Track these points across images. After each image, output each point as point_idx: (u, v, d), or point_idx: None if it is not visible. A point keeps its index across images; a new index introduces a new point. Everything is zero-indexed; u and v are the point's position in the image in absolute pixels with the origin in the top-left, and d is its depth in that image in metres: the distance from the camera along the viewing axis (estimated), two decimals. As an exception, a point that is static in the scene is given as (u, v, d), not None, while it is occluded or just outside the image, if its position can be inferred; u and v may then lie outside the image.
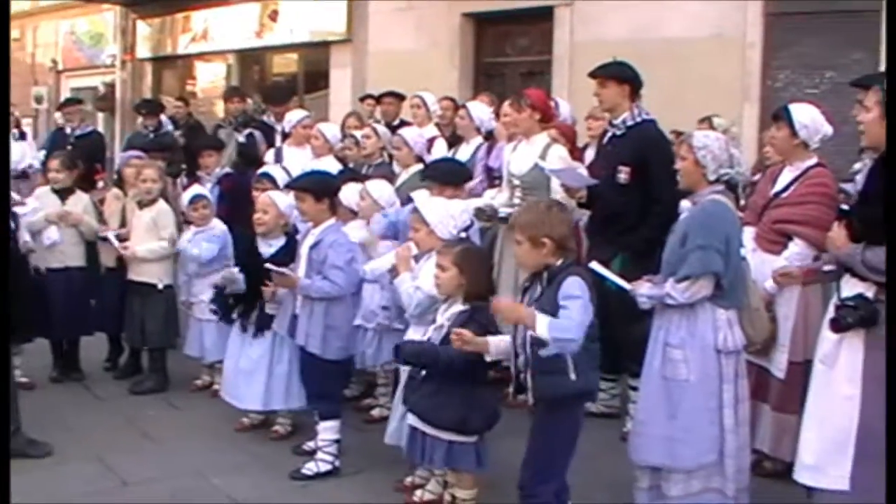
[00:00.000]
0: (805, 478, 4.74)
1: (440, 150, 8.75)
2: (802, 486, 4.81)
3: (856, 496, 4.53)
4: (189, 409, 7.22)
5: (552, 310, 4.40)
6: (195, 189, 7.70)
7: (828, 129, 5.71)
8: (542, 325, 4.32)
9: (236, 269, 6.50)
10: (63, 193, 7.73)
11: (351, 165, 8.29)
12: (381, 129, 8.65)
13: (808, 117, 5.68)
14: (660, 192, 6.12)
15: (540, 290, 4.59)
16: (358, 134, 8.66)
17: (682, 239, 4.80)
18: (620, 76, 6.46)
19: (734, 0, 10.41)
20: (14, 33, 22.09)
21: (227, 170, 8.98)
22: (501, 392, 5.40)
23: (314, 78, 16.38)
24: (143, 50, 20.53)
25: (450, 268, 4.98)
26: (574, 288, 4.44)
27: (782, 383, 5.59)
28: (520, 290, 4.95)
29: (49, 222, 7.53)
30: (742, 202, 6.35)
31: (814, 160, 5.69)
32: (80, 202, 7.79)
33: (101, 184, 9.61)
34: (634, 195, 6.34)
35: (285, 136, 9.58)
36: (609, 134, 6.66)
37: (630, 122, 6.44)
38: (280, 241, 6.40)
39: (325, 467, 5.88)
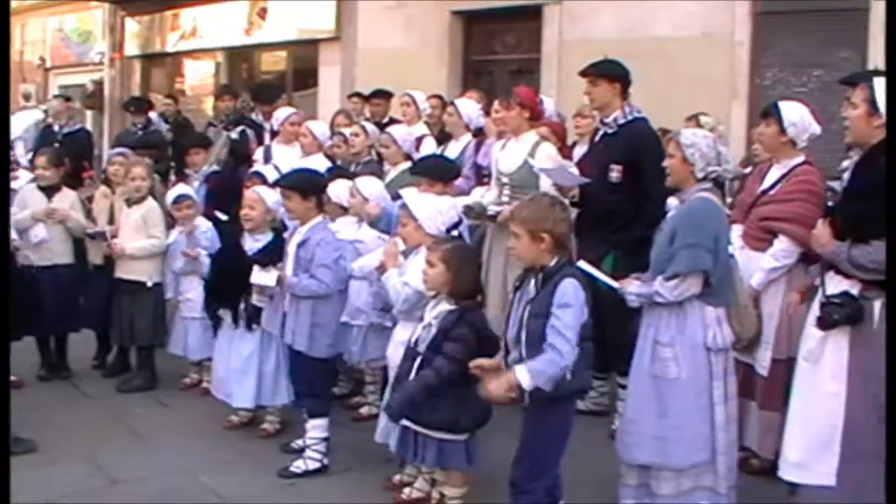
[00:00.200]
0: (790, 475, 4.76)
1: (429, 147, 8.75)
2: (786, 484, 4.83)
3: (841, 492, 4.55)
4: (177, 407, 7.21)
5: (546, 314, 4.44)
6: (179, 189, 7.67)
7: (815, 128, 5.73)
8: (526, 379, 4.38)
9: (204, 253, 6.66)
10: (49, 191, 7.72)
11: (339, 163, 8.29)
12: (370, 127, 8.66)
13: (796, 115, 5.69)
14: (652, 191, 6.06)
15: (534, 291, 4.60)
16: (346, 132, 8.66)
17: (671, 237, 4.81)
18: (611, 74, 6.46)
19: (722, -1, 10.44)
20: (1, 30, 21.99)
21: (215, 167, 8.97)
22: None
23: (303, 76, 16.35)
24: (132, 47, 20.47)
25: (437, 264, 4.98)
26: (569, 294, 4.45)
27: (765, 380, 5.61)
28: (511, 289, 4.94)
29: (36, 220, 7.52)
30: (729, 199, 6.37)
31: (801, 158, 5.70)
32: (66, 199, 7.78)
33: (88, 181, 9.59)
34: (626, 193, 6.33)
35: (274, 134, 9.58)
36: (601, 132, 6.66)
37: (622, 121, 6.44)
38: (267, 237, 6.40)
39: (313, 465, 5.88)
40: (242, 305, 6.33)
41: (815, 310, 4.72)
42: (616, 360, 6.33)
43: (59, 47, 23.13)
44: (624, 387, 6.10)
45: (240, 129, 10.10)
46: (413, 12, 13.78)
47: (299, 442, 6.10)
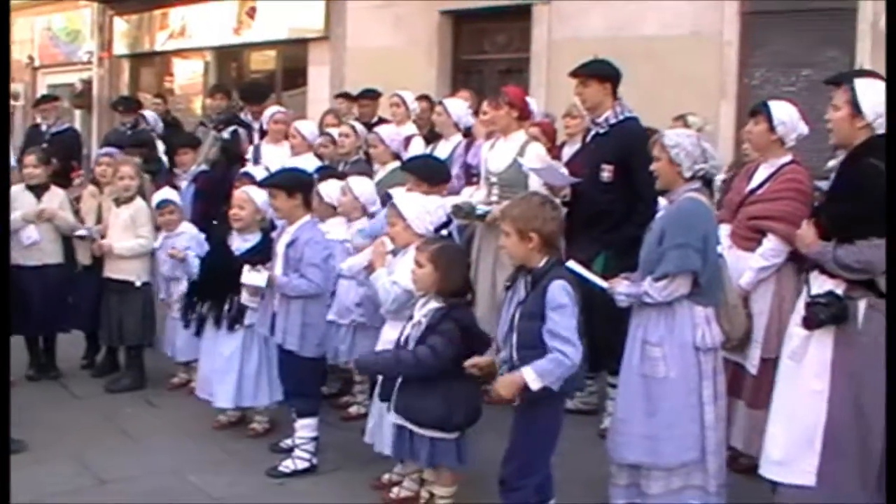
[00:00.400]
0: (771, 473, 4.78)
1: (417, 147, 8.75)
2: (768, 482, 4.85)
3: (821, 491, 4.57)
4: (166, 406, 7.20)
5: (539, 315, 4.47)
6: (163, 193, 7.61)
7: (804, 128, 5.75)
8: (534, 380, 4.42)
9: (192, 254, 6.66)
10: (38, 190, 7.70)
11: (327, 163, 8.28)
12: (360, 127, 8.65)
13: (786, 114, 5.71)
14: (643, 190, 6.03)
15: (524, 293, 4.61)
16: (335, 132, 8.65)
17: (660, 237, 4.82)
18: (602, 74, 6.47)
19: (711, -1, 10.47)
20: (-11, 29, 21.94)
21: (204, 167, 8.96)
22: (482, 388, 5.41)
23: (292, 75, 16.32)
24: (121, 47, 20.40)
25: (426, 264, 4.98)
26: (562, 295, 4.48)
27: (754, 379, 5.62)
28: (502, 290, 4.94)
29: (27, 222, 7.50)
30: (716, 197, 6.37)
31: (789, 157, 5.72)
32: (55, 198, 7.77)
33: (77, 181, 9.56)
34: (618, 193, 6.34)
35: (263, 133, 9.58)
36: (592, 132, 6.67)
37: (613, 121, 6.44)
38: (256, 237, 6.40)
39: (302, 465, 5.88)
40: (227, 306, 6.33)
41: (799, 309, 4.74)
42: (607, 359, 6.32)
43: (47, 46, 23.04)
44: (614, 386, 6.11)
45: (231, 128, 10.10)
46: (402, 11, 13.77)
47: (288, 441, 6.10)
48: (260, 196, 6.39)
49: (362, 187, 6.68)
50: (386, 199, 6.03)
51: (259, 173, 7.36)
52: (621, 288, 4.95)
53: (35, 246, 7.56)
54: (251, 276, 5.88)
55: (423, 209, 5.55)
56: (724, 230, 5.60)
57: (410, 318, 5.14)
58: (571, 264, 4.92)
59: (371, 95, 10.90)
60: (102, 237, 7.53)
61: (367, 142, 8.08)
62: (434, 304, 4.99)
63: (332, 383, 7.33)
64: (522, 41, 12.58)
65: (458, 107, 8.48)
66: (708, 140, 5.15)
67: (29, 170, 7.73)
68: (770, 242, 5.56)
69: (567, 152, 8.11)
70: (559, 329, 4.43)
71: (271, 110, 9.49)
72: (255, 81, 15.93)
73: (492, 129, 7.44)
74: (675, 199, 4.91)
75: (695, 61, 10.39)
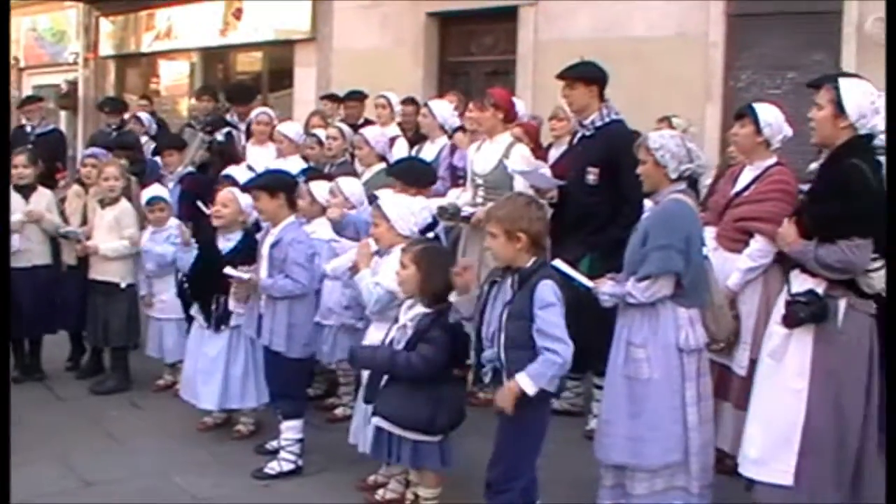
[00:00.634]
0: (749, 471, 4.82)
1: (401, 148, 8.75)
2: (746, 480, 4.87)
3: (797, 490, 4.60)
4: (151, 408, 7.18)
5: (527, 315, 4.48)
6: (153, 190, 7.60)
7: (788, 130, 5.77)
8: (529, 385, 4.42)
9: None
10: (26, 191, 7.68)
11: (312, 164, 8.27)
12: (346, 129, 8.64)
13: (772, 116, 5.74)
14: (629, 192, 6.04)
15: (511, 293, 4.61)
16: (321, 133, 8.64)
17: (643, 238, 4.83)
18: (589, 77, 6.46)
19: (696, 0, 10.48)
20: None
21: (190, 169, 8.94)
22: (466, 391, 5.41)
23: (278, 76, 16.32)
24: (106, 47, 20.35)
25: (409, 265, 4.99)
26: (550, 294, 4.49)
27: (743, 380, 5.62)
28: (486, 283, 4.93)
29: (13, 231, 7.45)
30: (702, 196, 6.38)
31: (774, 159, 5.74)
32: (43, 199, 7.76)
33: (62, 182, 9.53)
34: (604, 196, 6.33)
35: (249, 135, 9.57)
36: (579, 134, 6.67)
37: (599, 123, 6.44)
38: (237, 236, 6.39)
39: (287, 466, 5.87)
40: (214, 306, 6.32)
41: (780, 307, 4.76)
42: (593, 360, 6.32)
43: (32, 47, 22.96)
44: (600, 387, 6.12)
45: (225, 130, 10.07)
46: (388, 13, 13.79)
47: (273, 443, 6.09)
48: (245, 197, 6.37)
49: (352, 187, 6.67)
50: (372, 201, 6.04)
51: (241, 174, 7.35)
52: (605, 288, 4.96)
53: (24, 247, 7.53)
54: (235, 271, 5.90)
55: (408, 210, 5.56)
56: (709, 232, 5.61)
57: (396, 319, 5.14)
58: (557, 263, 4.93)
59: (357, 97, 10.90)
60: (88, 238, 7.50)
61: (353, 143, 8.07)
62: (420, 309, 5.00)
63: (318, 385, 7.32)
64: (509, 43, 12.60)
65: (444, 109, 8.49)
66: (692, 141, 5.16)
67: (19, 170, 7.69)
68: (757, 243, 5.57)
69: (553, 154, 8.11)
70: (549, 328, 4.44)
71: (256, 111, 9.48)
72: (242, 82, 15.90)
73: (477, 129, 7.45)
74: (661, 200, 4.93)
75: (680, 62, 10.42)
